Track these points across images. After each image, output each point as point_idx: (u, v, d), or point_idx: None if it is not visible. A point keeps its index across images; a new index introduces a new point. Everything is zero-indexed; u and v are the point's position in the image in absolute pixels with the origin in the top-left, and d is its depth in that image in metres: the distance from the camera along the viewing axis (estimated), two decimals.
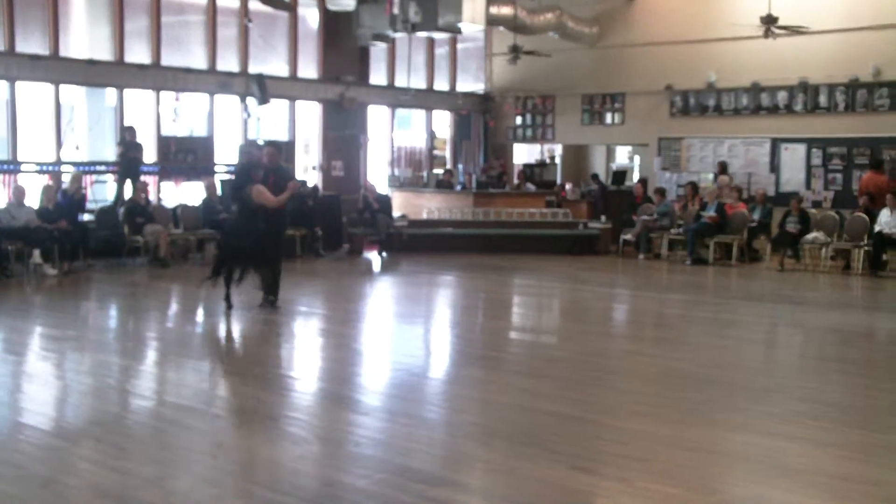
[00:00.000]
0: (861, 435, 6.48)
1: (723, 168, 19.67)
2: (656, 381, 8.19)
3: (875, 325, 11.78)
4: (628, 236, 18.33)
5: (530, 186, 21.16)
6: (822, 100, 18.89)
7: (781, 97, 19.36)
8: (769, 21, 16.91)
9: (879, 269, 15.48)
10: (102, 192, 16.68)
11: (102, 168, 16.71)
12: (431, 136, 23.17)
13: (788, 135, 19.27)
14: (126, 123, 16.81)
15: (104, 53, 17.12)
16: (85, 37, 17.19)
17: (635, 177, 23.25)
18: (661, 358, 9.30)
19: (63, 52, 16.55)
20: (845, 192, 18.52)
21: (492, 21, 19.35)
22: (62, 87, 16.71)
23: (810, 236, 16.37)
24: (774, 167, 19.53)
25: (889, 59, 17.93)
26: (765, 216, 17.80)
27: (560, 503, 5.09)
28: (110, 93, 17.60)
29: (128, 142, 16.32)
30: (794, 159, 19.28)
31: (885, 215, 15.69)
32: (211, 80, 18.39)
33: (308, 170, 20.35)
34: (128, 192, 16.34)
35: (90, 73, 16.78)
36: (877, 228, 15.64)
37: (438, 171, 22.10)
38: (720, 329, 11.22)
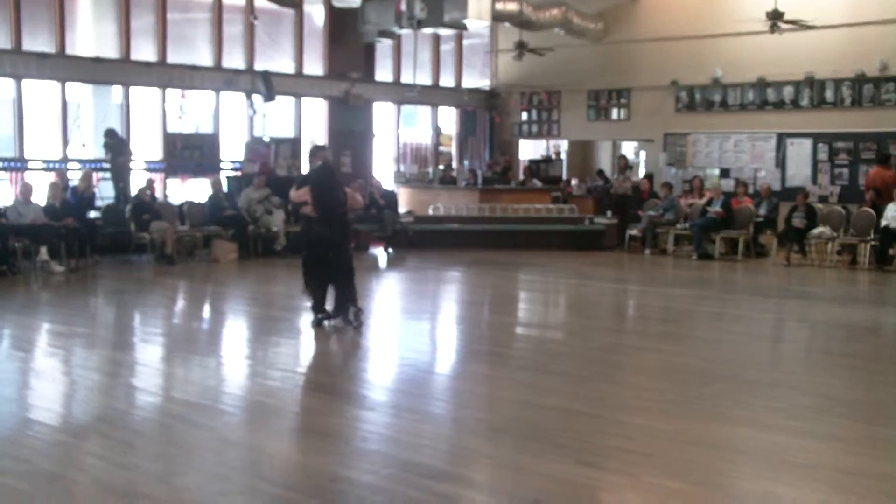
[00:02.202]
0: (866, 429, 6.48)
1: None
2: (662, 376, 8.19)
3: (881, 320, 11.76)
4: (634, 231, 18.32)
5: (536, 182, 21.15)
6: (829, 95, 18.86)
7: (787, 92, 19.33)
8: (775, 16, 16.90)
9: (886, 264, 15.46)
10: (109, 189, 16.71)
11: (107, 166, 16.71)
12: (437, 132, 23.18)
13: (794, 130, 19.25)
14: (107, 126, 16.80)
15: (110, 51, 17.17)
16: (91, 34, 17.24)
17: (641, 172, 23.22)
18: (667, 353, 9.29)
19: (69, 50, 16.62)
20: (852, 186, 18.49)
21: (497, 17, 19.34)
22: (68, 84, 16.79)
23: (816, 231, 16.35)
24: (780, 162, 19.50)
25: (895, 54, 17.88)
26: (771, 211, 17.77)
27: (565, 498, 5.10)
28: (116, 90, 17.63)
29: (113, 145, 16.34)
30: (800, 154, 19.25)
31: (891, 210, 15.65)
32: (217, 77, 18.42)
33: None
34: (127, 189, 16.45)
35: (96, 71, 16.83)
36: (883, 223, 15.60)
37: (440, 167, 22.12)
38: (726, 324, 11.22)
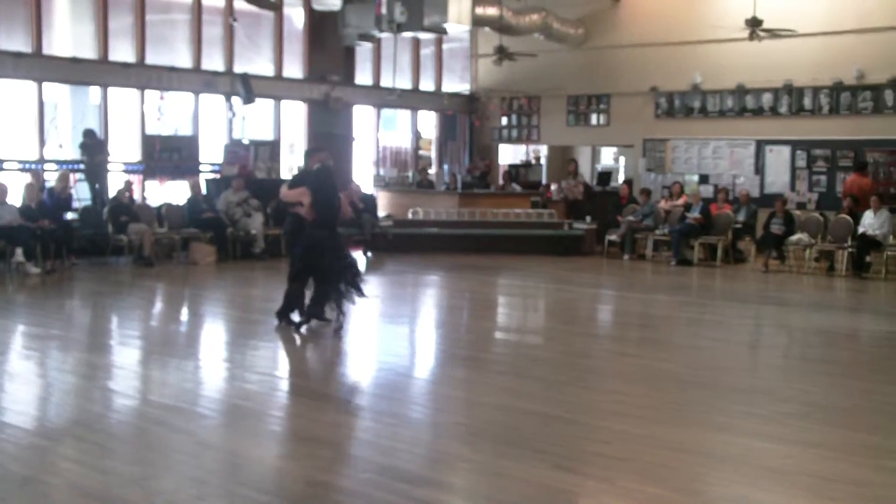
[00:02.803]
0: (845, 435, 6.50)
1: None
2: (640, 381, 8.20)
3: (859, 327, 11.83)
4: (613, 237, 18.36)
5: (515, 187, 21.16)
6: (807, 102, 18.97)
7: (766, 99, 19.43)
8: (754, 24, 16.97)
9: (863, 271, 15.55)
10: (86, 190, 16.59)
11: (82, 167, 16.58)
12: (417, 136, 23.16)
13: (773, 137, 19.35)
14: (86, 126, 16.68)
15: (88, 51, 17.04)
16: (68, 34, 17.11)
17: (620, 178, 23.30)
18: (646, 359, 9.31)
19: (46, 50, 16.47)
20: (829, 193, 18.60)
21: (477, 22, 19.35)
22: (45, 84, 16.63)
23: (795, 238, 16.43)
24: (759, 169, 19.60)
25: (872, 63, 18.03)
26: (749, 217, 17.85)
27: (543, 503, 5.09)
28: (94, 91, 17.51)
29: (90, 146, 16.24)
30: (778, 161, 19.35)
31: (868, 217, 15.77)
32: (196, 79, 18.33)
33: (293, 170, 20.29)
34: (105, 190, 16.35)
35: (74, 71, 16.70)
36: (860, 230, 15.71)
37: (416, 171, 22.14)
38: (704, 330, 11.26)
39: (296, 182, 10.34)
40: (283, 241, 10.29)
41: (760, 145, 19.55)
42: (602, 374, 8.68)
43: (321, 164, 10.09)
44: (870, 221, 15.70)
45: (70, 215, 15.59)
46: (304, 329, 9.95)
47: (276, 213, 10.26)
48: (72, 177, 16.17)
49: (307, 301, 10.11)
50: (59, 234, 14.56)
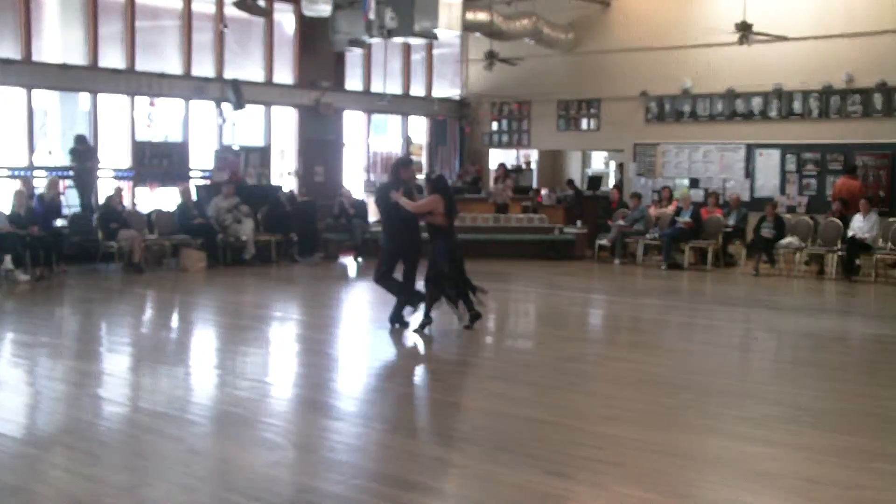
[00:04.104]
0: (834, 439, 6.52)
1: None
2: (631, 385, 8.21)
3: (848, 330, 11.86)
4: (604, 241, 18.38)
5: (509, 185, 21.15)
6: (797, 106, 19.01)
7: (756, 103, 19.48)
8: (744, 28, 17.02)
9: (853, 274, 15.60)
10: (76, 197, 16.55)
11: (71, 173, 16.53)
12: (407, 141, 23.16)
13: (763, 140, 19.39)
14: (76, 133, 16.66)
15: (77, 58, 17.02)
16: (58, 41, 17.09)
17: (611, 182, 23.33)
18: (636, 363, 9.32)
19: (36, 57, 16.45)
20: (819, 197, 18.64)
21: (468, 27, 19.38)
22: (35, 91, 16.60)
23: (785, 241, 16.47)
24: (749, 173, 19.64)
25: (861, 67, 18.08)
26: (740, 221, 17.89)
27: None
28: (84, 97, 17.48)
29: (81, 151, 16.20)
30: (768, 165, 19.39)
31: (857, 220, 15.82)
32: (186, 85, 18.31)
33: (284, 175, 20.30)
34: (96, 197, 16.31)
35: (63, 78, 16.67)
36: (850, 233, 15.76)
37: None
38: (695, 334, 11.28)
39: (381, 193, 10.67)
40: (396, 250, 10.46)
41: (750, 149, 19.59)
42: (593, 379, 8.69)
43: (438, 174, 10.50)
44: (859, 225, 15.76)
45: (59, 222, 15.56)
46: (426, 330, 10.20)
47: (393, 225, 10.46)
48: (61, 183, 16.13)
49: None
50: (49, 241, 14.52)
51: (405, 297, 10.61)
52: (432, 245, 10.42)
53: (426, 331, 10.29)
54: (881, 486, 5.52)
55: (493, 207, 20.03)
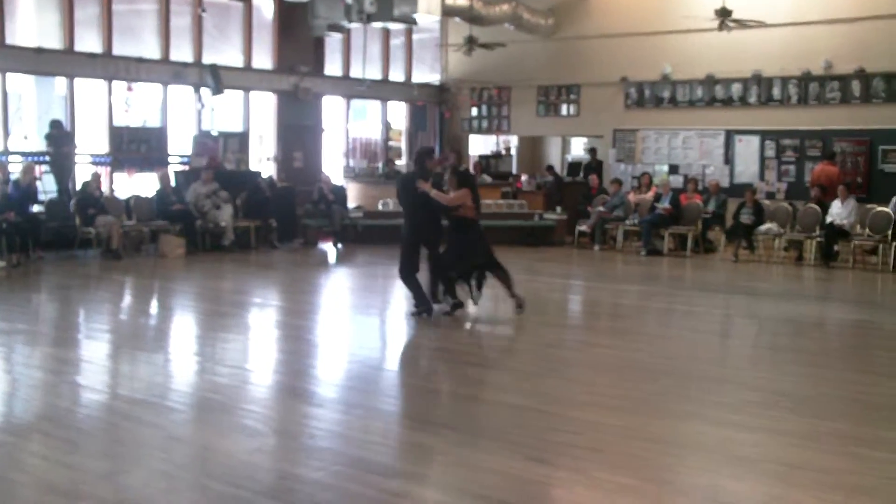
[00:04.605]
0: (812, 423, 6.55)
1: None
2: (611, 371, 8.23)
3: (827, 316, 11.92)
4: (584, 227, 18.40)
5: (486, 178, 21.15)
6: (776, 92, 19.07)
7: (736, 89, 19.52)
8: (723, 14, 17.05)
9: (831, 260, 15.68)
10: (52, 182, 16.42)
11: (48, 159, 16.39)
12: (387, 127, 23.11)
13: (742, 127, 19.45)
14: (52, 117, 16.52)
15: (53, 41, 16.84)
16: (33, 24, 16.91)
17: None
18: (616, 349, 9.34)
19: (10, 40, 16.27)
20: (798, 183, 18.73)
21: (447, 12, 19.30)
22: (9, 75, 16.44)
23: (764, 227, 16.53)
24: (729, 159, 19.70)
25: (839, 54, 18.15)
26: (719, 207, 17.95)
27: (515, 494, 5.09)
28: (60, 82, 17.32)
29: (57, 136, 16.07)
30: (748, 151, 19.46)
31: (836, 206, 15.90)
32: (164, 69, 18.18)
33: (263, 161, 20.21)
34: (73, 182, 16.20)
35: (39, 62, 16.51)
36: (828, 220, 15.84)
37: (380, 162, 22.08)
38: (675, 320, 11.31)
39: (405, 183, 10.74)
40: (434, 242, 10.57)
41: (730, 135, 19.64)
42: (573, 365, 8.70)
43: (464, 167, 10.60)
44: (837, 211, 15.84)
45: (36, 208, 15.43)
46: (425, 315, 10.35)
47: (416, 215, 10.49)
48: (37, 169, 15.99)
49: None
50: (25, 226, 14.41)
51: (443, 283, 10.63)
52: (456, 236, 10.49)
53: (424, 315, 10.35)
54: (861, 470, 5.55)
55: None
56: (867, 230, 15.75)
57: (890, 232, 15.38)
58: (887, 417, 6.78)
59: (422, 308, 10.40)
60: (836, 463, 5.66)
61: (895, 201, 15.88)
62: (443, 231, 10.61)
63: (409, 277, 10.49)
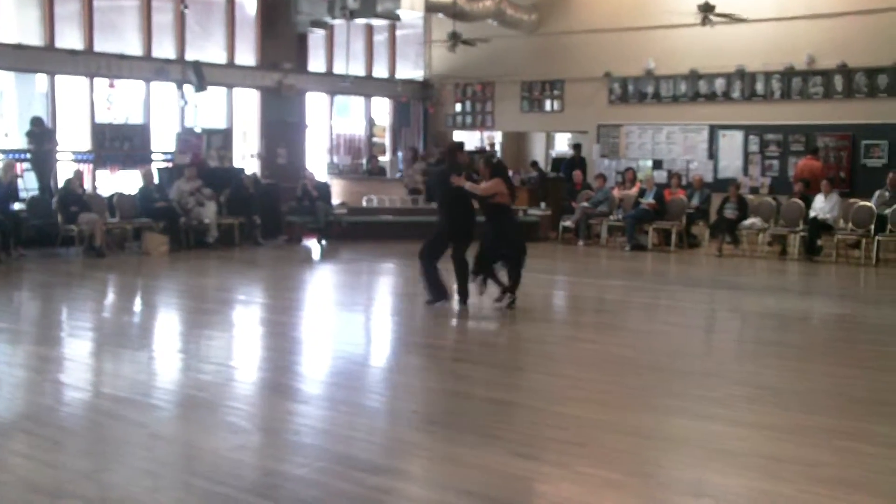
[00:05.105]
0: (796, 417, 6.56)
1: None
2: (595, 366, 8.24)
3: (811, 310, 11.96)
4: (568, 223, 18.42)
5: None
6: (759, 87, 19.14)
7: (719, 84, 19.57)
8: (706, 9, 17.09)
9: (814, 254, 15.74)
10: (34, 180, 16.31)
11: (29, 157, 16.28)
12: (371, 123, 23.07)
13: (726, 122, 19.51)
14: (33, 114, 16.41)
15: (33, 38, 16.73)
16: (13, 20, 16.79)
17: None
18: (601, 344, 9.35)
19: None
20: (782, 178, 18.80)
21: (431, 8, 19.29)
22: None
23: (748, 222, 16.58)
24: (712, 154, 19.74)
25: (822, 49, 18.21)
26: (703, 202, 17.99)
27: (501, 489, 5.08)
28: (41, 78, 17.21)
29: (38, 134, 15.97)
30: (731, 146, 19.51)
31: (819, 201, 15.96)
32: (146, 66, 18.10)
33: (247, 158, 20.15)
34: (54, 180, 16.10)
35: (19, 58, 16.40)
36: (812, 214, 15.90)
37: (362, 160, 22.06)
38: (659, 315, 11.33)
39: (439, 178, 10.93)
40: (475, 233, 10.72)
41: (714, 130, 19.70)
42: (558, 360, 8.70)
43: (497, 158, 11.23)
44: (821, 205, 15.90)
45: (17, 206, 15.34)
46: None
47: (452, 208, 10.62)
48: (18, 166, 15.90)
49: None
50: (6, 224, 14.34)
51: (474, 272, 10.76)
52: (492, 225, 10.61)
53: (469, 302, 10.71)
54: (844, 463, 5.56)
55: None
56: (850, 224, 15.81)
57: (872, 226, 15.45)
58: (871, 411, 6.79)
59: (437, 297, 10.63)
60: (820, 456, 5.67)
61: (877, 195, 15.99)
62: (475, 227, 10.72)
63: (428, 264, 10.65)
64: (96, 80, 17.43)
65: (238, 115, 20.13)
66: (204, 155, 18.31)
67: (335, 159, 21.72)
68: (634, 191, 18.10)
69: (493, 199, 10.48)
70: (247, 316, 11.21)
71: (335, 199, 19.31)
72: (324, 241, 17.65)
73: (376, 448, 5.86)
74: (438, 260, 10.67)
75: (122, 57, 17.56)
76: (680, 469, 5.50)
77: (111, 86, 17.58)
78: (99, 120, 17.49)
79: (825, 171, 17.26)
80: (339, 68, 21.55)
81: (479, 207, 10.64)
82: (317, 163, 21.25)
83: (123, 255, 15.54)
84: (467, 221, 10.62)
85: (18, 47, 16.32)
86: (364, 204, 19.13)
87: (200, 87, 18.29)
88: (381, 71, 23.00)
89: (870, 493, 5.10)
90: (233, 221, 17.08)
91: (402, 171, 21.08)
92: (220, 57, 19.60)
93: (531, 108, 22.40)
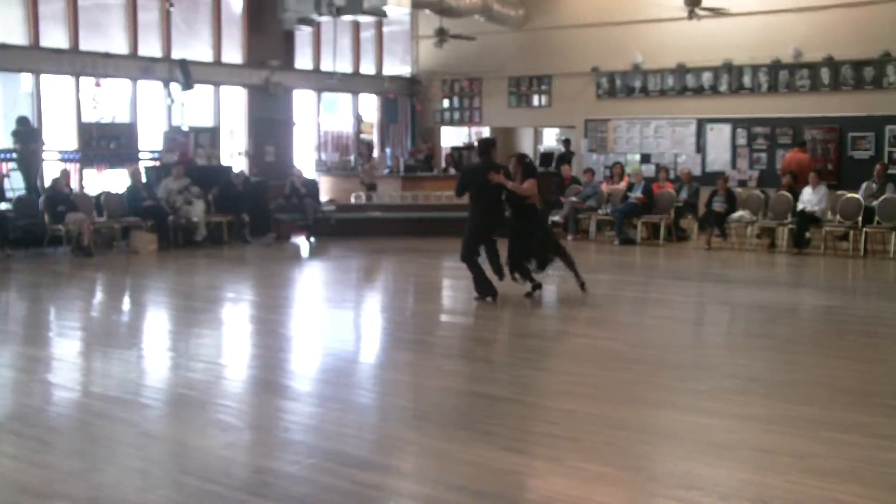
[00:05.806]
0: (785, 409, 6.58)
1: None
2: (586, 360, 8.24)
3: (799, 302, 11.99)
4: (557, 218, 18.42)
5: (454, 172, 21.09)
6: (746, 80, 19.17)
7: (706, 78, 19.60)
8: (693, 3, 17.12)
9: (803, 247, 15.77)
10: (20, 180, 16.25)
11: (14, 156, 16.20)
12: (358, 120, 23.03)
13: (714, 115, 19.54)
14: (19, 114, 16.34)
15: (18, 37, 16.63)
16: None
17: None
18: (591, 338, 9.36)
19: None
20: (769, 171, 18.85)
21: (417, 4, 19.28)
22: None
23: (736, 215, 16.61)
24: (700, 147, 19.78)
25: (808, 42, 18.26)
26: (691, 196, 18.02)
27: (492, 484, 5.08)
28: (26, 78, 17.12)
29: (23, 133, 15.91)
30: (719, 139, 19.55)
31: (807, 193, 15.99)
32: (133, 65, 18.02)
33: (234, 156, 20.10)
34: (41, 179, 16.03)
35: (3, 58, 16.30)
36: (800, 206, 15.93)
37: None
38: (648, 308, 11.35)
39: (475, 174, 10.94)
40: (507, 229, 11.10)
41: (701, 124, 19.73)
42: (548, 355, 8.71)
43: (529, 158, 11.39)
44: (808, 198, 15.93)
45: (4, 205, 15.29)
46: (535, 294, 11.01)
47: (486, 204, 10.84)
48: (4, 166, 15.83)
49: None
50: None
51: (498, 270, 11.00)
52: (520, 223, 10.86)
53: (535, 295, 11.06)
54: (832, 454, 5.58)
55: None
56: (838, 216, 15.85)
57: (860, 218, 15.49)
58: (859, 402, 6.82)
59: (486, 293, 10.76)
60: (809, 448, 5.69)
61: (865, 187, 16.04)
62: (504, 219, 10.97)
63: (472, 262, 10.81)
64: (82, 79, 17.35)
65: (225, 113, 20.07)
66: (191, 153, 18.27)
67: (323, 156, 21.69)
68: (623, 185, 18.11)
69: (528, 200, 10.73)
70: (236, 314, 11.18)
71: (323, 196, 19.29)
72: (312, 239, 17.63)
73: (367, 444, 5.86)
74: (479, 255, 10.87)
75: (107, 56, 17.49)
76: (670, 462, 5.51)
77: (97, 85, 17.51)
78: (85, 119, 17.41)
79: (813, 164, 17.31)
80: (326, 65, 21.52)
81: (510, 206, 10.87)
82: (305, 160, 21.21)
83: (111, 255, 15.49)
84: (499, 216, 10.92)
85: (3, 47, 16.22)
86: (352, 200, 19.11)
87: (187, 85, 18.24)
88: (368, 67, 22.97)
89: (858, 483, 5.12)
90: (221, 219, 17.05)
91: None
92: (206, 55, 19.54)
93: (519, 104, 22.41)
